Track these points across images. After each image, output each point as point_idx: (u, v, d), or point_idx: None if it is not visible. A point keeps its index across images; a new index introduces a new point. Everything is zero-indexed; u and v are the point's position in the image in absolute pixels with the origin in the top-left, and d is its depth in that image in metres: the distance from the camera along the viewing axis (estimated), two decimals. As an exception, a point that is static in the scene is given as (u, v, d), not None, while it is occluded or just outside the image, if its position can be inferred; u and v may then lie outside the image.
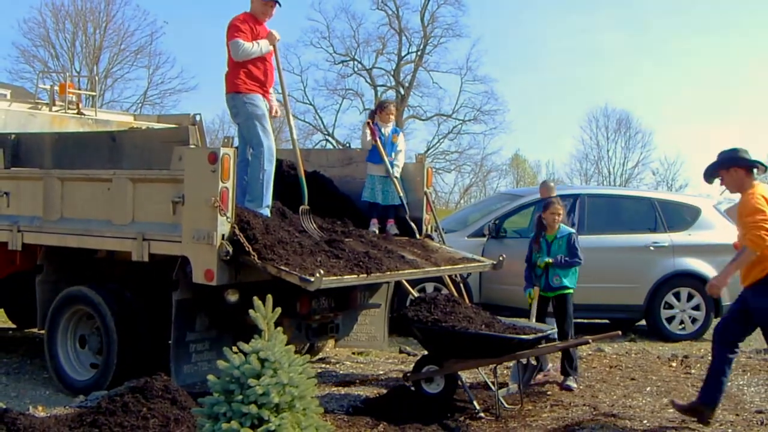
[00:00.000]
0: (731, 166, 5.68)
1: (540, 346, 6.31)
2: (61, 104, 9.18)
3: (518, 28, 71.40)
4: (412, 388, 6.42)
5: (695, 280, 10.14)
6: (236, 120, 6.74)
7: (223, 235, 5.72)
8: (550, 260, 7.07)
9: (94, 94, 11.12)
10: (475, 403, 6.26)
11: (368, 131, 7.54)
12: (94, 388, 6.39)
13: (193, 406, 4.87)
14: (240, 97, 6.54)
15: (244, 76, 6.54)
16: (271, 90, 6.87)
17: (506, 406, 6.33)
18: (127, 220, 6.33)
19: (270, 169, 6.56)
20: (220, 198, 5.70)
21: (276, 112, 6.99)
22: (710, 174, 5.85)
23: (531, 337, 6.14)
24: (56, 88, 9.30)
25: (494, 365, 6.36)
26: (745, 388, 6.88)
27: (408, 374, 6.42)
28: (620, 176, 51.27)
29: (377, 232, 7.29)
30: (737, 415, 6.14)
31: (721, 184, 5.83)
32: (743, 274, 5.60)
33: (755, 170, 5.70)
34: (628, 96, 74.66)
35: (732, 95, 70.52)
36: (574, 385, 7.06)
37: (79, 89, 10.13)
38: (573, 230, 7.31)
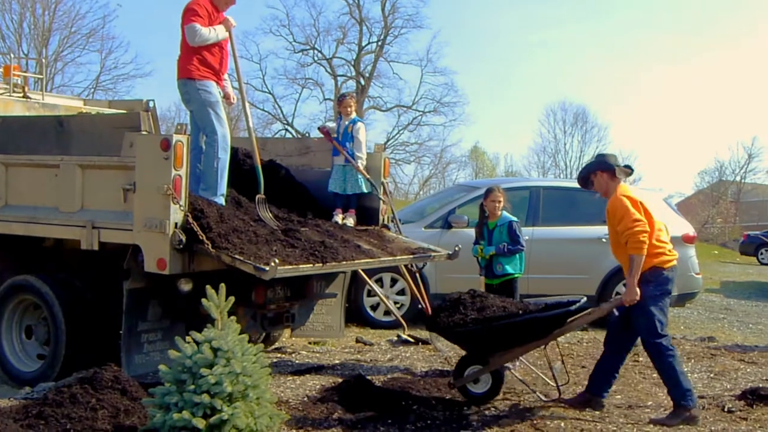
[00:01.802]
0: (597, 170, 5.98)
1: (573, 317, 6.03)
2: (5, 87, 8.90)
3: (479, 21, 71.94)
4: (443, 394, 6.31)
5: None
6: (189, 107, 6.63)
7: (176, 224, 5.63)
8: (493, 251, 7.24)
9: (41, 77, 10.79)
10: (556, 383, 6.22)
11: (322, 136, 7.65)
12: (41, 380, 6.26)
13: (144, 397, 4.88)
14: (193, 83, 6.43)
15: (198, 62, 6.43)
16: (225, 77, 6.77)
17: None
18: (76, 207, 6.19)
19: (225, 157, 6.47)
20: (173, 186, 5.60)
21: (232, 99, 6.90)
22: (584, 181, 6.12)
23: (580, 302, 5.92)
24: (0, 70, 9.03)
25: (544, 346, 6.16)
26: (689, 374, 7.01)
27: (452, 382, 6.20)
28: (576, 169, 51.99)
29: (340, 222, 7.25)
30: (649, 423, 6.24)
31: (593, 189, 6.08)
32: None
33: (621, 174, 5.94)
34: (585, 90, 75.74)
35: (686, 91, 71.89)
36: (511, 368, 7.16)
37: (26, 72, 9.84)
38: (514, 218, 7.43)
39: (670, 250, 5.86)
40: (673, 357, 5.69)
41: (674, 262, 5.86)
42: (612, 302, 5.99)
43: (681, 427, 5.52)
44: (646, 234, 5.62)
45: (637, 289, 5.61)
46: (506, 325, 5.86)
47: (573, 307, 5.84)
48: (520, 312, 5.95)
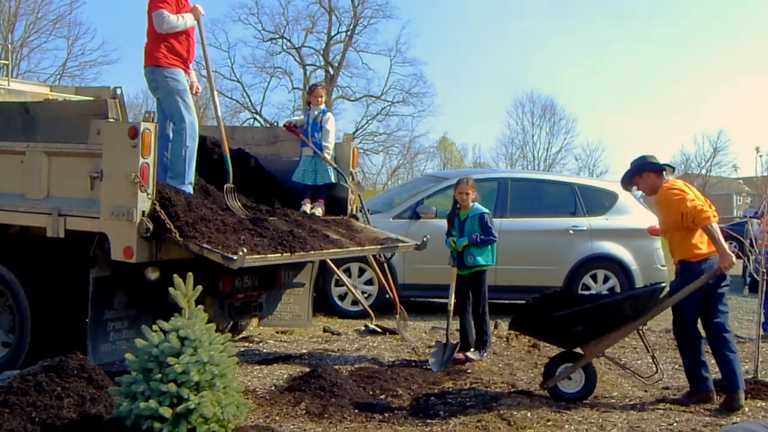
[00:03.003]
0: (643, 172, 6.23)
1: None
2: (-30, 73, 8.77)
3: (448, 12, 71.94)
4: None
5: (611, 262, 10.52)
6: (156, 95, 6.59)
7: (143, 212, 5.60)
8: (466, 242, 7.27)
9: (6, 63, 10.64)
10: (660, 370, 6.44)
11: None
12: (5, 368, 6.20)
13: (110, 386, 4.84)
14: (160, 71, 6.39)
15: (166, 50, 6.39)
16: (192, 66, 6.74)
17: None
18: (42, 194, 6.12)
19: (192, 145, 6.44)
20: (141, 174, 5.56)
21: (197, 89, 6.86)
22: (628, 182, 6.41)
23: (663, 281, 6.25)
24: (-35, 56, 8.87)
25: (639, 329, 6.24)
26: (661, 366, 7.10)
27: (543, 383, 6.09)
28: (544, 161, 52.42)
29: (308, 211, 7.25)
30: (646, 391, 6.42)
31: (638, 189, 6.45)
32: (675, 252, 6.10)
33: (664, 172, 6.25)
34: (554, 83, 76.26)
35: (653, 85, 72.66)
36: (475, 357, 7.31)
37: (-8, 58, 9.70)
38: (486, 209, 7.48)
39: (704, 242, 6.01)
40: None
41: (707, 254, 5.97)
42: (706, 276, 5.89)
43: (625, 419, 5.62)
44: (704, 205, 5.87)
45: (730, 252, 5.80)
46: (604, 305, 5.99)
47: (657, 289, 6.15)
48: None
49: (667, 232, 6.20)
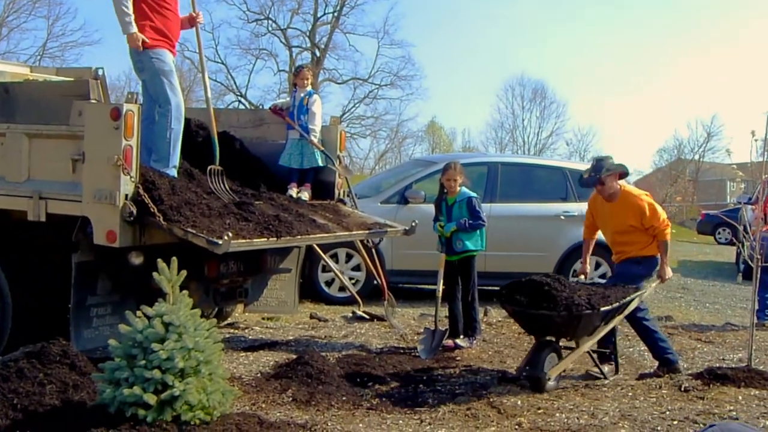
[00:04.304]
0: (614, 174, 6.52)
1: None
2: (-51, 53, 8.61)
3: (437, -7, 71.57)
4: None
5: (602, 249, 10.34)
6: (141, 76, 6.47)
7: (126, 195, 5.51)
8: (455, 227, 7.19)
9: (-13, 43, 10.52)
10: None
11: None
12: (-14, 354, 6.09)
13: (93, 372, 4.78)
14: (146, 51, 6.25)
15: (151, 29, 6.27)
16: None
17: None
18: (23, 177, 6.01)
19: (178, 127, 6.33)
20: (124, 156, 5.47)
21: (199, 17, 6.83)
22: (595, 182, 6.55)
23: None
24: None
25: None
26: (646, 353, 7.07)
27: (530, 372, 5.86)
28: (535, 146, 52.36)
29: (294, 195, 7.16)
30: (638, 379, 6.39)
31: (600, 190, 6.56)
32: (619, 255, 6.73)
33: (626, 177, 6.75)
34: (545, 66, 76.23)
35: (645, 68, 72.73)
36: (464, 344, 7.27)
37: (-29, 38, 9.55)
38: (473, 194, 7.40)
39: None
40: (648, 321, 6.61)
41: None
42: (654, 283, 6.66)
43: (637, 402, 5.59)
44: (668, 223, 6.58)
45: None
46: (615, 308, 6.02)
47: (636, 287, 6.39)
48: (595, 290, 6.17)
49: (624, 233, 6.56)
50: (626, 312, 6.23)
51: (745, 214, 7.56)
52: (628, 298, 6.13)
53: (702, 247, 25.35)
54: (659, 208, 6.56)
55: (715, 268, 17.86)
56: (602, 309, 5.82)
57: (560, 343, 6.10)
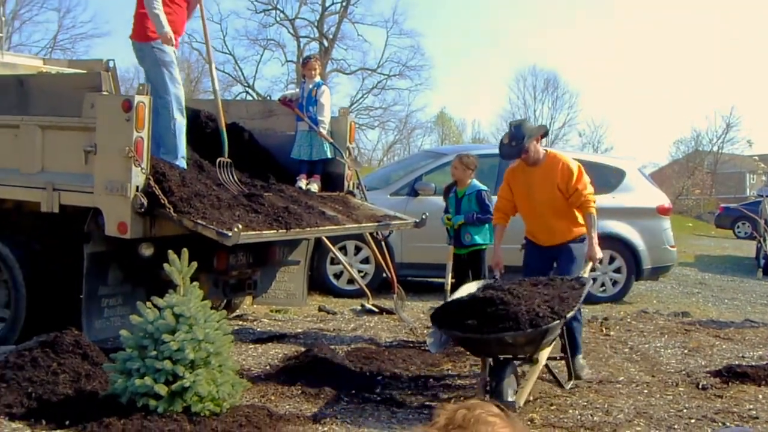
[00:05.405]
0: (538, 136, 5.97)
1: None
2: (-36, 45, 8.69)
3: (447, -19, 71.31)
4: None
5: (617, 242, 10.25)
6: (143, 66, 6.54)
7: (137, 187, 5.57)
8: (462, 220, 7.19)
9: (0, 35, 10.56)
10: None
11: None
12: (1, 343, 6.20)
13: (105, 362, 4.86)
14: (148, 42, 6.32)
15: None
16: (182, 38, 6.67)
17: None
18: (36, 169, 6.09)
19: (180, 118, 6.37)
20: (135, 148, 5.53)
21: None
22: (519, 153, 5.91)
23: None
24: (-41, 29, 8.78)
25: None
26: (662, 350, 7.08)
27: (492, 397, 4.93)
28: (547, 137, 51.88)
29: (304, 187, 7.20)
30: (653, 376, 6.29)
31: (524, 159, 5.94)
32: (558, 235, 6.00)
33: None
34: (557, 56, 75.92)
35: (662, 58, 72.23)
36: None
37: (-16, 30, 9.62)
38: (483, 186, 7.38)
39: None
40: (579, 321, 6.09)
41: None
42: (587, 270, 5.93)
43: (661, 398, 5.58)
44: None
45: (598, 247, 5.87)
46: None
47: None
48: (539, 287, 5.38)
49: (554, 204, 5.90)
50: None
51: (766, 207, 7.39)
52: (583, 293, 5.36)
53: (720, 242, 24.83)
54: (587, 177, 5.93)
55: (734, 263, 17.33)
56: (568, 315, 5.08)
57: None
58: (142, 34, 6.31)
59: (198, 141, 6.76)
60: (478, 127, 59.43)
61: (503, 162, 10.34)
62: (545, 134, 6.05)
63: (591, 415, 5.17)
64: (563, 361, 5.89)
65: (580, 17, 75.36)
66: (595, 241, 5.85)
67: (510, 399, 4.94)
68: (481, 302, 5.00)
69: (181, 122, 6.36)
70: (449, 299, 5.27)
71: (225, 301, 7.57)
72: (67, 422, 4.39)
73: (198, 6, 6.68)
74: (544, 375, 5.72)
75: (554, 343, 5.56)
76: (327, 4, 44.86)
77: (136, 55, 6.48)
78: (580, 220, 5.94)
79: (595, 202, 5.89)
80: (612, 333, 7.82)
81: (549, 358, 5.67)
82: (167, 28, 6.25)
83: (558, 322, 4.95)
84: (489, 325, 4.86)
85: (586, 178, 5.89)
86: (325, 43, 44.57)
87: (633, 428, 4.96)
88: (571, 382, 5.72)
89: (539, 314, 4.88)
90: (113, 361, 4.59)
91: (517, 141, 5.86)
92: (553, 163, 5.92)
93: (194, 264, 4.73)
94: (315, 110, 7.40)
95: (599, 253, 5.91)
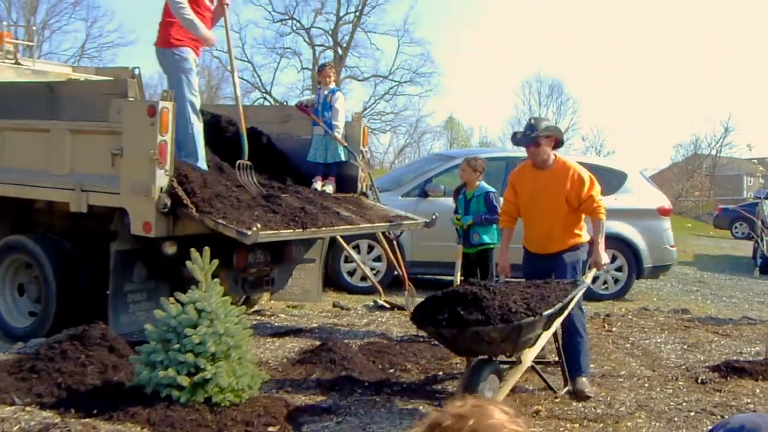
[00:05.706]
0: (550, 137, 5.76)
1: None
2: (-2, 54, 8.94)
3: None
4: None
5: (619, 242, 10.45)
6: (165, 71, 6.71)
7: (161, 188, 5.77)
8: (471, 220, 7.37)
9: (32, 44, 10.80)
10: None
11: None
12: (32, 336, 6.41)
13: (131, 354, 5.00)
14: (169, 49, 6.48)
15: (178, 27, 6.46)
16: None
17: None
18: (66, 171, 6.32)
19: (197, 123, 6.51)
20: (159, 151, 5.72)
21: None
22: (529, 142, 5.70)
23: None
24: (-6, 37, 9.03)
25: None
26: (663, 345, 7.21)
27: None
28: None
29: (319, 189, 7.38)
30: (653, 370, 6.46)
31: (532, 154, 5.76)
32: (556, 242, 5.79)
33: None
34: (560, 63, 75.76)
35: (662, 64, 71.95)
36: None
37: (17, 39, 9.89)
38: (491, 188, 7.55)
39: None
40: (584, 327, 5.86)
41: None
42: (590, 276, 5.87)
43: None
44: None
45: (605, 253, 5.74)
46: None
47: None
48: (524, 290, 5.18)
49: (556, 212, 5.71)
50: (567, 312, 5.29)
51: (763, 208, 7.49)
52: (570, 296, 5.16)
53: (718, 241, 25.04)
54: (598, 185, 5.79)
55: (732, 262, 17.71)
56: (545, 313, 4.81)
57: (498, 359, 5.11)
58: (166, 41, 6.50)
59: (218, 144, 6.96)
60: (486, 132, 59.78)
61: (510, 165, 10.60)
62: (560, 143, 5.82)
63: (594, 408, 5.32)
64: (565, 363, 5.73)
65: (584, 26, 75.10)
66: (602, 247, 5.71)
67: (479, 385, 4.79)
68: (456, 298, 4.87)
69: (198, 127, 6.51)
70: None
71: (244, 297, 7.72)
72: (95, 411, 4.53)
73: (222, 17, 6.87)
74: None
75: (546, 346, 5.55)
76: (341, 14, 45.73)
77: (159, 61, 6.66)
78: (578, 230, 5.81)
79: (605, 208, 5.79)
80: (614, 329, 7.97)
81: (543, 363, 5.74)
82: (203, 30, 6.43)
83: (533, 318, 4.71)
84: (460, 319, 4.70)
85: (598, 186, 5.77)
86: (339, 51, 45.24)
87: (634, 420, 5.09)
88: (565, 389, 5.60)
89: (512, 309, 4.69)
90: (138, 354, 4.74)
91: (531, 131, 5.69)
92: (563, 169, 5.74)
93: (215, 261, 4.87)
94: (330, 115, 7.60)
95: (605, 259, 5.79)
